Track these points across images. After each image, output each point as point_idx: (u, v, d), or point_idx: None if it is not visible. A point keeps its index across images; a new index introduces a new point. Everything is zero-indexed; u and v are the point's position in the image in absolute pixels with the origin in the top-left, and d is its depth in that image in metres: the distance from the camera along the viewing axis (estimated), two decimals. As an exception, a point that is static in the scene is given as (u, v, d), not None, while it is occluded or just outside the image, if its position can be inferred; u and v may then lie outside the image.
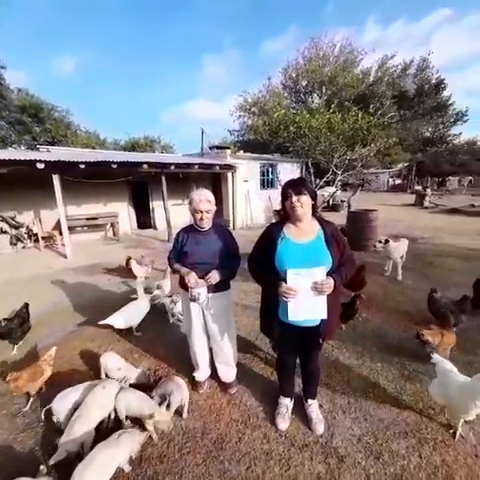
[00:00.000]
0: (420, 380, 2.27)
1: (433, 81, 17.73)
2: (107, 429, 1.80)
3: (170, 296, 3.43)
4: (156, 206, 9.58)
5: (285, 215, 1.65)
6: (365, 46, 19.25)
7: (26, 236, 7.30)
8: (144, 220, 9.97)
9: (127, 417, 1.84)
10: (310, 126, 7.20)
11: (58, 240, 7.22)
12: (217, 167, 8.87)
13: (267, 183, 11.10)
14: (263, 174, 10.87)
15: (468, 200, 14.77)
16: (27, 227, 7.28)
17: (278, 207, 1.80)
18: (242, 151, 11.74)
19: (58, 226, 7.01)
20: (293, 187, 1.54)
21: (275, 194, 9.85)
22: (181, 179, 9.11)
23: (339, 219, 7.79)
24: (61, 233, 6.62)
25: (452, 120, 19.64)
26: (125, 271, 4.84)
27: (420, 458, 1.67)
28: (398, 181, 28.99)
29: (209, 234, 1.96)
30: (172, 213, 7.92)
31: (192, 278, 1.81)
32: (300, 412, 1.97)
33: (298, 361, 1.93)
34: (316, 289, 1.45)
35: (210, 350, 2.23)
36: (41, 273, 5.31)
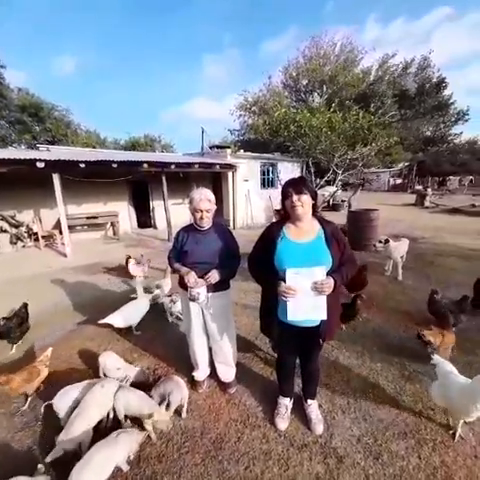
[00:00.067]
0: (420, 380, 2.26)
1: (434, 80, 17.69)
2: (106, 428, 1.80)
3: (169, 295, 3.43)
4: (156, 205, 9.57)
5: (285, 214, 1.64)
6: (365, 45, 19.25)
7: (26, 235, 7.30)
8: (144, 219, 9.96)
9: (126, 416, 1.83)
10: (311, 125, 7.19)
11: (58, 239, 7.22)
12: (217, 166, 8.86)
13: (267, 182, 11.08)
14: (263, 173, 10.86)
15: (469, 200, 14.73)
16: (27, 226, 7.28)
17: (278, 206, 1.80)
18: (242, 150, 11.70)
19: (58, 225, 7.00)
20: (294, 186, 1.53)
21: (275, 193, 9.84)
22: (181, 178, 9.10)
23: (339, 219, 7.78)
24: (61, 232, 6.62)
25: (453, 119, 19.61)
26: (125, 270, 4.82)
27: (419, 459, 1.66)
28: (399, 181, 28.92)
29: (209, 233, 1.96)
30: (172, 212, 7.91)
31: (191, 278, 1.81)
32: (299, 412, 1.96)
33: (298, 361, 1.92)
34: (316, 289, 1.43)
35: (210, 350, 2.22)
36: (41, 272, 5.32)
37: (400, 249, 4.68)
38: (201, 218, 1.89)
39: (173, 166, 7.76)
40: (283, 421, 1.89)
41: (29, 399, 2.09)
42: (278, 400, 1.98)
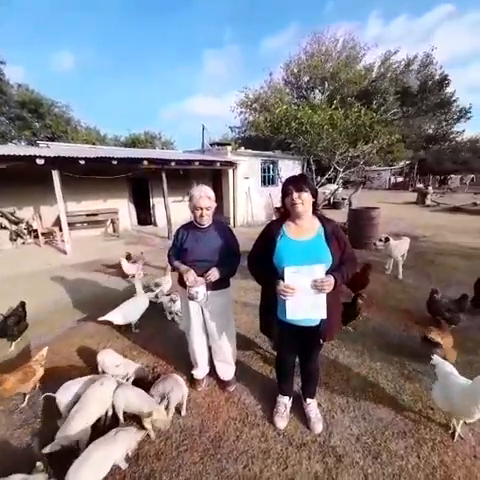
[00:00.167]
0: (420, 380, 2.26)
1: (437, 77, 17.53)
2: (104, 426, 1.80)
3: (168, 294, 3.42)
4: (156, 203, 9.55)
5: (285, 212, 1.62)
6: (367, 42, 18.97)
7: (26, 232, 7.29)
8: (144, 217, 9.94)
9: (125, 414, 1.83)
10: (312, 122, 7.12)
11: (58, 236, 7.21)
12: (218, 164, 8.82)
13: (268, 180, 11.04)
14: (264, 171, 10.81)
15: (470, 198, 14.66)
16: (27, 223, 7.27)
17: (279, 204, 1.78)
18: (243, 148, 11.63)
19: (58, 222, 6.99)
20: (294, 183, 1.51)
21: (276, 191, 9.80)
22: (181, 176, 9.07)
23: (340, 217, 7.76)
24: (61, 229, 6.60)
25: (455, 117, 19.43)
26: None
27: (418, 458, 1.66)
28: (400, 179, 28.80)
29: (209, 231, 1.94)
30: (172, 210, 7.89)
31: (191, 276, 1.79)
32: (298, 411, 1.96)
33: (297, 360, 1.91)
34: (316, 287, 1.42)
35: (209, 348, 2.22)
36: (41, 269, 5.31)
37: (401, 248, 4.66)
38: (201, 216, 1.87)
39: (173, 163, 7.72)
40: (282, 420, 1.88)
41: (27, 396, 2.08)
42: (277, 399, 1.97)
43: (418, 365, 2.41)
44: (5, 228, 6.99)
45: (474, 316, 3.19)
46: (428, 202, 14.30)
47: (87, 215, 8.08)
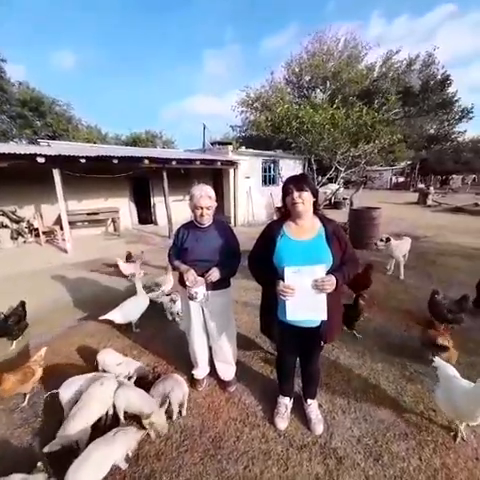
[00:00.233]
0: (421, 381, 2.25)
1: (439, 77, 17.45)
2: (105, 425, 1.80)
3: (169, 295, 3.41)
4: (157, 202, 9.54)
5: (286, 212, 1.61)
6: (369, 41, 18.84)
7: (27, 231, 7.30)
8: (145, 216, 9.94)
9: (126, 413, 1.82)
10: (313, 122, 7.10)
11: (59, 235, 7.21)
12: (219, 163, 8.81)
13: (269, 179, 11.02)
14: (265, 170, 10.80)
15: (472, 199, 14.61)
16: (28, 222, 7.27)
17: (280, 204, 1.77)
18: (244, 147, 11.62)
19: (59, 221, 6.99)
20: (295, 183, 1.50)
21: (277, 191, 9.78)
22: (182, 175, 9.06)
23: (341, 217, 7.74)
24: (62, 228, 6.61)
25: (457, 117, 19.35)
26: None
27: (420, 460, 1.65)
28: (401, 179, 28.73)
29: (209, 231, 1.93)
30: (173, 209, 7.88)
31: (191, 276, 1.78)
32: (299, 412, 1.95)
33: (298, 361, 1.90)
34: (317, 287, 1.40)
35: (210, 348, 2.21)
36: (42, 268, 5.31)
37: (402, 248, 4.65)
38: (201, 215, 1.86)
39: (174, 162, 7.71)
40: (283, 421, 1.87)
41: (28, 396, 2.08)
42: (278, 399, 1.97)
43: (420, 366, 2.40)
44: (6, 227, 7.00)
45: (476, 317, 3.17)
46: (429, 202, 14.26)
47: (88, 214, 8.08)
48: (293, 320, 1.52)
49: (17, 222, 7.14)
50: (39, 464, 1.43)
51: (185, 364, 2.38)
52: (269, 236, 1.58)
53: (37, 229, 7.21)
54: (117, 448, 1.51)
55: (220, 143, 11.74)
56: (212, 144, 11.96)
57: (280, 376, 1.97)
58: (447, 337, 2.35)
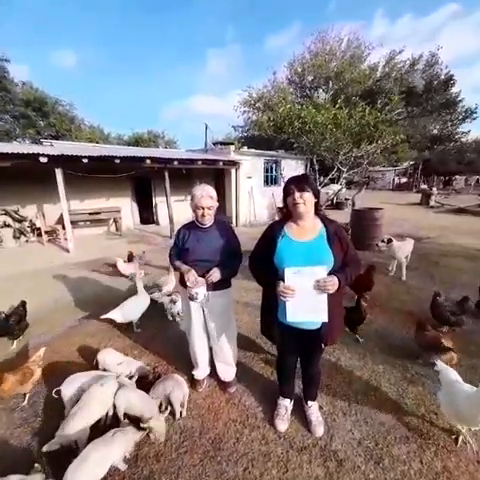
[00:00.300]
0: (423, 383, 2.23)
1: (442, 77, 17.34)
2: (105, 426, 1.79)
3: (169, 295, 3.41)
4: (159, 202, 9.56)
5: (287, 213, 1.60)
6: (372, 41, 18.72)
7: (29, 230, 7.33)
8: (147, 215, 9.97)
9: (126, 415, 1.82)
10: (315, 122, 7.08)
11: (61, 234, 7.24)
12: (220, 163, 8.80)
13: (271, 180, 11.01)
14: (267, 171, 10.78)
15: (475, 200, 14.52)
16: (30, 221, 7.31)
17: (281, 204, 1.76)
18: (246, 147, 11.60)
19: (61, 220, 7.01)
20: (296, 183, 1.49)
21: (278, 191, 9.74)
22: (184, 175, 9.07)
23: (343, 217, 7.71)
24: (64, 227, 6.63)
25: (461, 117, 19.22)
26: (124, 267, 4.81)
27: (421, 464, 1.63)
28: (404, 179, 28.59)
29: (210, 231, 1.92)
30: (175, 209, 7.89)
31: (191, 276, 1.78)
32: (299, 413, 1.94)
33: (299, 362, 1.89)
34: (318, 287, 1.39)
35: (210, 349, 2.20)
36: (43, 267, 5.33)
37: (404, 249, 4.61)
38: (202, 215, 1.85)
39: (176, 162, 7.72)
40: (283, 422, 1.86)
41: (27, 395, 2.08)
42: (278, 401, 1.96)
43: (421, 368, 2.38)
44: (9, 226, 7.03)
45: (478, 319, 3.15)
46: (432, 203, 14.17)
47: (90, 214, 8.11)
48: (293, 322, 1.50)
49: (19, 221, 7.17)
50: (36, 465, 1.43)
51: (185, 364, 2.38)
52: (270, 236, 1.57)
53: (39, 228, 7.24)
54: (115, 449, 1.50)
55: (222, 143, 11.73)
56: (214, 144, 11.95)
57: (280, 378, 1.96)
58: (448, 339, 2.34)
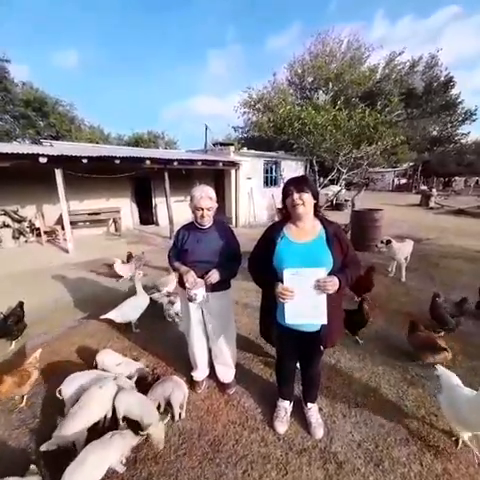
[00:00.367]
0: (423, 385, 2.22)
1: (442, 79, 17.40)
2: (103, 428, 1.78)
3: (168, 296, 3.40)
4: (159, 202, 9.56)
5: (287, 214, 1.59)
6: (372, 43, 18.77)
7: (28, 230, 7.32)
8: (146, 216, 9.96)
9: (124, 418, 1.80)
10: (315, 123, 7.10)
11: (60, 235, 7.23)
12: (220, 164, 8.80)
13: (271, 181, 11.01)
14: (267, 171, 10.79)
15: (474, 201, 14.56)
16: (29, 221, 7.30)
17: (281, 205, 1.76)
18: (246, 148, 11.61)
19: (60, 221, 7.01)
20: (295, 184, 1.48)
21: (278, 192, 9.71)
22: (184, 175, 9.06)
23: (342, 218, 7.72)
24: (63, 228, 6.62)
25: (460, 119, 19.27)
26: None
27: (421, 466, 1.62)
28: (403, 181, 28.63)
29: (210, 232, 1.92)
30: (174, 210, 7.88)
31: (190, 277, 1.77)
32: (299, 415, 1.93)
33: (298, 363, 1.89)
34: (318, 287, 1.37)
35: (209, 350, 2.19)
36: (43, 268, 5.32)
37: (404, 250, 4.61)
38: (202, 216, 1.85)
39: (176, 163, 7.72)
40: (282, 424, 1.85)
41: (25, 397, 2.07)
42: (277, 403, 1.95)
43: (421, 370, 2.37)
44: (8, 226, 7.02)
45: (478, 320, 3.14)
46: (432, 204, 14.18)
47: (89, 214, 8.11)
48: (292, 324, 1.50)
49: (19, 222, 7.16)
50: (32, 467, 1.42)
51: (184, 365, 2.37)
52: (269, 238, 1.57)
53: (39, 229, 7.23)
54: (113, 451, 1.49)
55: (222, 144, 11.75)
56: (214, 145, 11.96)
57: (280, 379, 1.95)
58: (441, 339, 2.37)
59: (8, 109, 17.38)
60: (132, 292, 3.41)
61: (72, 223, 6.84)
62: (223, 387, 2.19)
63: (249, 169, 9.86)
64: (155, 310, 3.33)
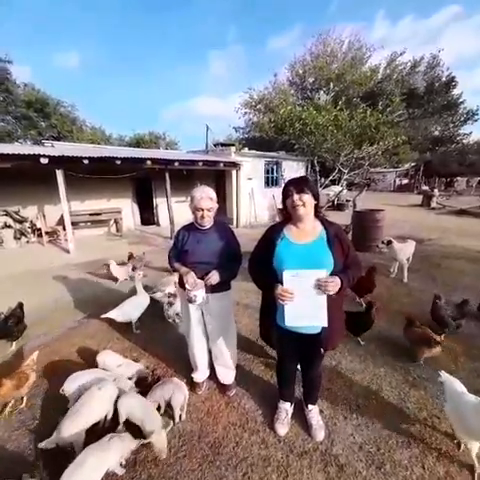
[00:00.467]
0: (424, 387, 2.20)
1: (443, 79, 17.34)
2: (103, 429, 1.77)
3: (169, 296, 3.39)
4: (159, 203, 9.56)
5: (287, 215, 1.58)
6: (373, 43, 18.78)
7: (30, 231, 7.34)
8: (147, 216, 9.97)
9: (125, 421, 1.79)
10: (316, 123, 7.09)
11: (61, 235, 7.24)
12: (221, 164, 8.80)
13: (272, 181, 11.00)
14: (268, 172, 10.78)
15: (476, 201, 14.46)
16: (31, 222, 7.32)
17: (282, 206, 1.75)
18: (247, 148, 11.61)
19: (62, 221, 7.01)
20: (295, 185, 1.47)
21: (279, 192, 9.70)
22: (185, 176, 9.07)
23: (344, 219, 7.70)
24: (64, 228, 6.63)
25: (462, 119, 19.20)
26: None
27: (423, 469, 1.61)
28: (405, 181, 28.54)
29: (210, 233, 1.91)
30: (175, 210, 7.88)
31: (190, 278, 1.76)
32: (300, 417, 1.92)
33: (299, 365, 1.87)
34: (319, 287, 1.35)
35: (209, 351, 2.18)
36: (44, 268, 5.33)
37: (406, 251, 4.58)
38: (202, 217, 1.84)
39: (177, 163, 7.72)
40: (283, 426, 1.84)
41: (25, 398, 2.07)
42: (278, 404, 1.93)
43: (423, 371, 2.36)
44: (9, 227, 7.04)
45: (479, 322, 3.12)
46: (433, 205, 14.12)
47: (90, 214, 8.12)
48: (292, 326, 1.48)
49: (20, 222, 7.18)
50: (25, 475, 1.42)
51: (184, 367, 2.36)
52: (269, 239, 1.56)
53: (40, 229, 7.24)
54: (112, 454, 1.47)
55: (223, 144, 11.74)
56: (215, 145, 11.97)
57: (280, 381, 1.94)
58: (436, 334, 2.43)
59: (10, 110, 17.46)
60: (133, 293, 3.41)
61: (73, 224, 6.85)
62: (223, 389, 2.18)
63: (250, 169, 9.85)
64: (155, 310, 3.32)
